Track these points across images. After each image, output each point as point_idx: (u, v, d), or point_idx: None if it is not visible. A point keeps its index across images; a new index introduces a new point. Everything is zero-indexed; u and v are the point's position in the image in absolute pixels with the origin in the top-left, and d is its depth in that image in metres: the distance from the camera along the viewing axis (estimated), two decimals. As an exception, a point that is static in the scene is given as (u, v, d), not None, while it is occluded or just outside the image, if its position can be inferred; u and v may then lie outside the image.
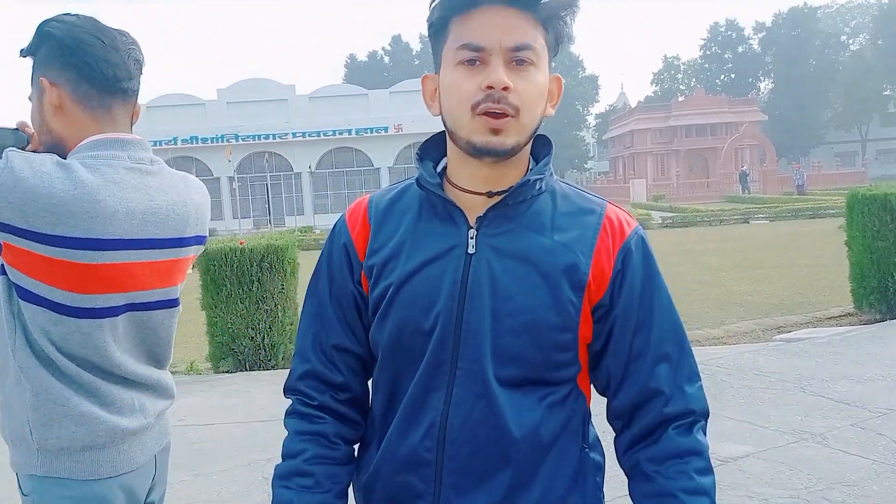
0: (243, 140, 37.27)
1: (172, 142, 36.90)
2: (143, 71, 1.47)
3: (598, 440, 1.14)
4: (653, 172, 49.09)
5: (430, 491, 1.02)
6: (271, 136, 37.40)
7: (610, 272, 1.03)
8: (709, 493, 1.01)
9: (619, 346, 1.05)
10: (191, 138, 37.27)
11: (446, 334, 1.01)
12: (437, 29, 1.02)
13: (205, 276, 6.21)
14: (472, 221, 1.04)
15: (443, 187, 1.07)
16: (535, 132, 1.03)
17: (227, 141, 36.48)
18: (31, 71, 1.42)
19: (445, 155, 1.10)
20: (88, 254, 1.31)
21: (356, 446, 1.15)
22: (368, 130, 37.29)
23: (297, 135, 37.57)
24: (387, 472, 1.06)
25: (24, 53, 1.43)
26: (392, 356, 1.07)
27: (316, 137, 37.62)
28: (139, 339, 1.45)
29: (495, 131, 0.97)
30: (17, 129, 1.47)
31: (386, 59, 65.38)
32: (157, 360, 1.52)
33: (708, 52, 60.29)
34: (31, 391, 1.33)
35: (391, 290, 1.04)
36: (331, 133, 37.56)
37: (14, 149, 1.33)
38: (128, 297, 1.39)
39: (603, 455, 1.13)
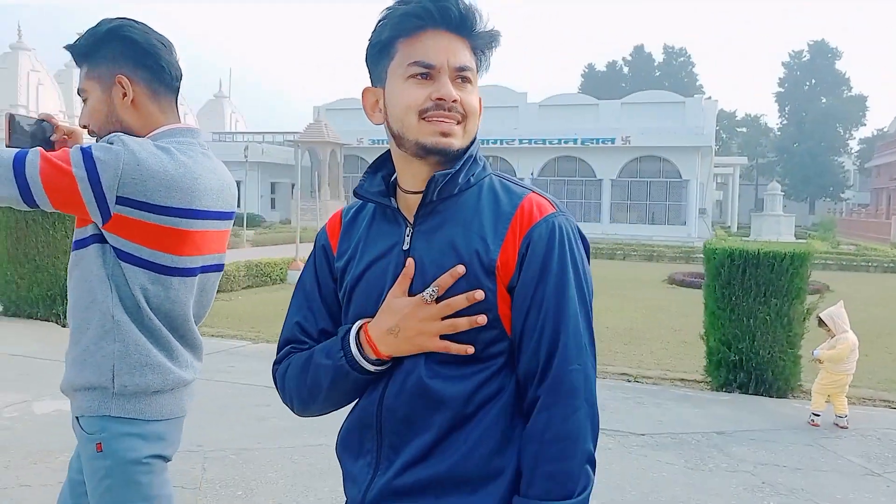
0: (473, 143, 38.85)
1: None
2: None
3: None
4: (926, 210, 42.26)
5: (373, 448, 1.19)
6: (499, 142, 38.54)
7: (515, 256, 1.13)
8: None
9: (515, 325, 1.14)
10: (427, 139, 39.69)
11: None
12: (383, 48, 1.16)
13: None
14: (412, 220, 1.18)
15: (394, 193, 1.21)
16: (473, 141, 1.17)
17: (459, 143, 38.23)
18: (88, 67, 1.62)
19: None
20: (187, 222, 1.57)
21: None
22: (594, 141, 36.75)
23: (524, 141, 38.27)
24: (351, 428, 1.25)
25: (79, 49, 1.61)
26: None
27: (541, 145, 38.00)
28: (197, 298, 1.69)
29: (445, 134, 1.12)
30: (42, 119, 1.69)
31: (625, 69, 63.91)
32: (198, 320, 1.73)
33: None
34: (121, 342, 1.55)
35: (348, 287, 1.22)
36: (556, 141, 37.67)
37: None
38: (203, 260, 1.65)
39: None
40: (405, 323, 1.10)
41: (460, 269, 1.09)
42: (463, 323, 1.09)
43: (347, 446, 1.25)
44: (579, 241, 1.17)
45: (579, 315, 1.13)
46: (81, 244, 1.59)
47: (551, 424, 1.10)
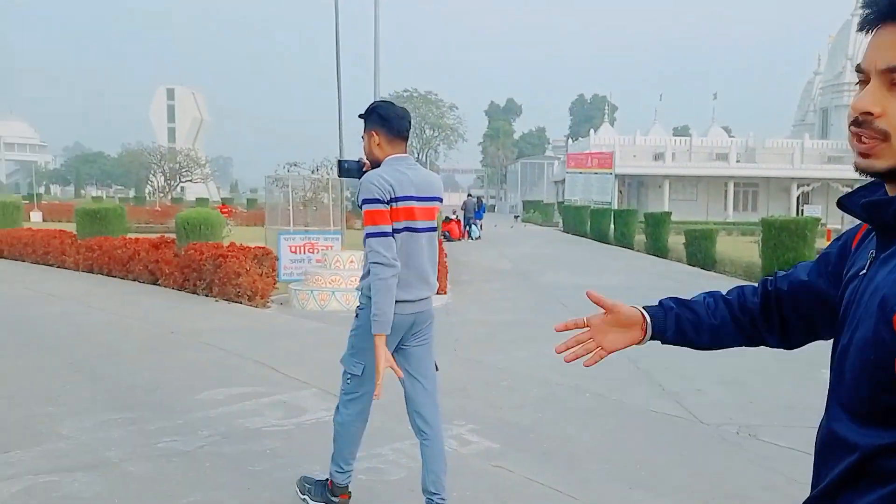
0: None
1: None
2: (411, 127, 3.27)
3: None
4: None
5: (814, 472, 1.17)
6: None
7: None
8: None
9: None
10: None
11: None
12: None
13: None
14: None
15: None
16: None
17: None
18: (364, 126, 3.14)
19: None
20: (405, 202, 3.00)
21: None
22: None
23: None
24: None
25: (361, 116, 3.15)
26: None
27: None
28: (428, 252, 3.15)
29: (862, 155, 1.04)
30: (359, 160, 3.24)
31: None
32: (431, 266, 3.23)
33: None
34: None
35: (839, 299, 1.17)
36: None
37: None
38: (420, 224, 3.07)
39: None
40: None
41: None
42: None
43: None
44: None
45: None
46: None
47: None
